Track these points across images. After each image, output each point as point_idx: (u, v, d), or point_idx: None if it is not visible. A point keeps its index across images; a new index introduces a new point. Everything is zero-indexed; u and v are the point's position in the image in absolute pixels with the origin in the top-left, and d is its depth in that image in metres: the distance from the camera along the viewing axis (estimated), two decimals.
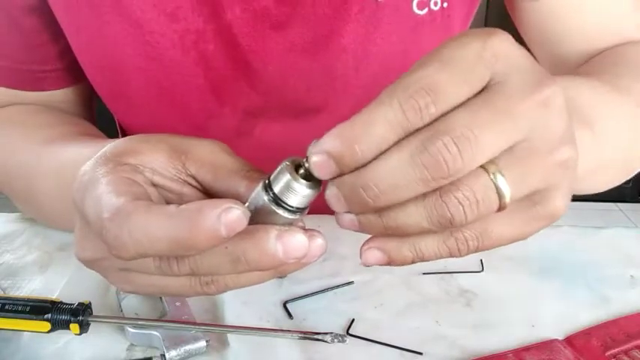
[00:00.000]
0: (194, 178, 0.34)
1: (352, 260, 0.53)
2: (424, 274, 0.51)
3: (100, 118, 0.68)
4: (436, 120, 0.26)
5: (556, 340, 0.44)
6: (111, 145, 0.33)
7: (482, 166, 0.26)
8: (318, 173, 0.28)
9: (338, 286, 0.49)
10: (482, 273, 0.52)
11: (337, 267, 0.52)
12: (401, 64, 0.56)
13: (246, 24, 0.53)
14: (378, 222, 0.28)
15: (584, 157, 0.31)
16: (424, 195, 0.27)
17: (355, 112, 0.27)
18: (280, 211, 0.29)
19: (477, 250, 0.29)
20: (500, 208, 0.27)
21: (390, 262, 0.30)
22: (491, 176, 0.26)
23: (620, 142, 0.47)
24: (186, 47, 0.54)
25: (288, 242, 0.28)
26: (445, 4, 0.55)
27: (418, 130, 0.26)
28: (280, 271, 0.31)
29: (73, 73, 0.61)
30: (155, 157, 0.33)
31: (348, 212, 0.29)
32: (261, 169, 0.33)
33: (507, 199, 0.27)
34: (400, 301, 0.48)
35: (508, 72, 0.27)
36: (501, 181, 0.26)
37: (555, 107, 0.28)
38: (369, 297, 0.48)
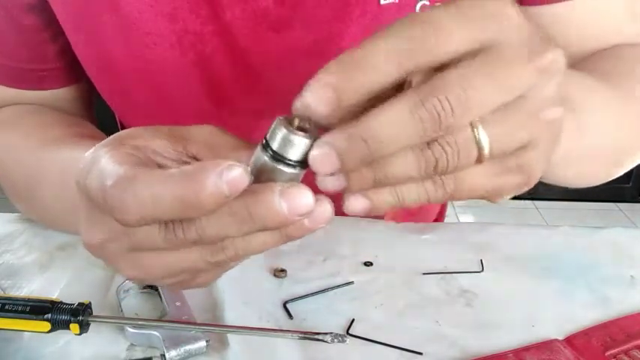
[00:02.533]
0: (195, 158, 0.34)
1: (352, 260, 0.53)
2: (424, 274, 0.51)
3: (100, 117, 0.68)
4: (437, 70, 0.27)
5: (556, 340, 0.44)
6: (111, 135, 0.34)
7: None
8: (316, 105, 0.27)
9: (338, 286, 0.49)
10: (482, 273, 0.52)
11: (337, 267, 0.52)
12: None
13: (245, 25, 0.53)
14: (369, 175, 0.28)
15: (567, 140, 0.33)
16: (413, 145, 0.28)
17: None
18: (281, 167, 0.29)
19: (452, 197, 0.30)
20: (479, 160, 0.28)
21: (372, 208, 0.30)
22: (475, 131, 0.28)
23: (605, 134, 0.48)
24: (185, 48, 0.54)
25: (292, 197, 0.28)
26: None
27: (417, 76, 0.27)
28: (288, 235, 0.30)
29: (72, 72, 0.61)
30: (156, 141, 0.33)
31: (332, 175, 0.29)
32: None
33: (486, 151, 0.28)
34: (400, 301, 0.48)
35: (510, 34, 0.28)
36: (483, 136, 0.28)
37: (554, 72, 0.29)
38: (369, 297, 0.48)
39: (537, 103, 0.29)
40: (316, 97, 0.27)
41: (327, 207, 0.29)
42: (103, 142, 0.33)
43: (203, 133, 0.34)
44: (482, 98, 0.27)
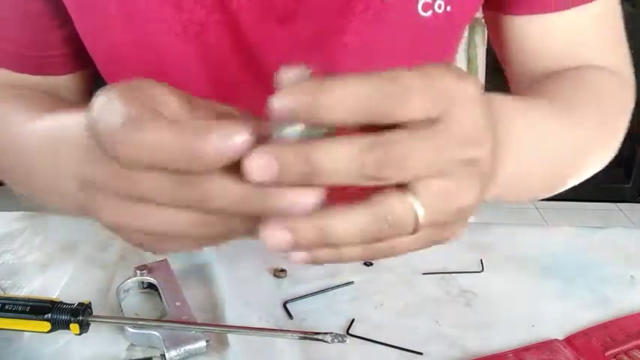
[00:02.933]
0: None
1: None
2: (424, 274, 0.51)
3: None
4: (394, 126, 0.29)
5: (556, 340, 0.44)
6: (124, 82, 0.33)
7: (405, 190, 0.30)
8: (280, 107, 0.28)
9: (338, 286, 0.49)
10: (482, 273, 0.52)
11: (337, 267, 0.52)
12: (403, 65, 0.56)
13: (251, 15, 0.53)
14: (315, 234, 0.30)
15: (504, 178, 0.39)
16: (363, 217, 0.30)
17: None
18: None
19: (385, 257, 0.33)
20: (414, 230, 0.31)
21: (311, 259, 0.31)
22: (413, 203, 0.30)
23: (543, 160, 0.49)
24: (189, 37, 0.54)
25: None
26: (449, 8, 0.55)
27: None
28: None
29: (76, 59, 0.61)
30: (168, 96, 0.33)
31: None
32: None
33: (421, 221, 0.30)
34: (400, 301, 0.48)
35: (461, 116, 0.30)
36: (419, 208, 0.30)
37: (480, 168, 0.32)
38: (369, 297, 0.48)
39: (463, 195, 0.32)
40: (280, 103, 0.28)
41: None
42: (116, 85, 0.32)
43: (209, 102, 0.35)
44: (421, 166, 0.29)
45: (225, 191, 0.29)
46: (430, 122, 0.29)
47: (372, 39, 0.55)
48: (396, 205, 0.30)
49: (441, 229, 0.33)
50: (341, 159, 0.28)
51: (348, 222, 0.30)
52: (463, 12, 0.57)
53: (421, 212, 0.30)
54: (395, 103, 0.28)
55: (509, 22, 0.61)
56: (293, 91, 0.28)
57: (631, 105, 0.60)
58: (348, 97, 0.28)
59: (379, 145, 0.28)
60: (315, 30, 0.54)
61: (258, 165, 0.28)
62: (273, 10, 0.53)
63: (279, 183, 0.28)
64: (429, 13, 0.54)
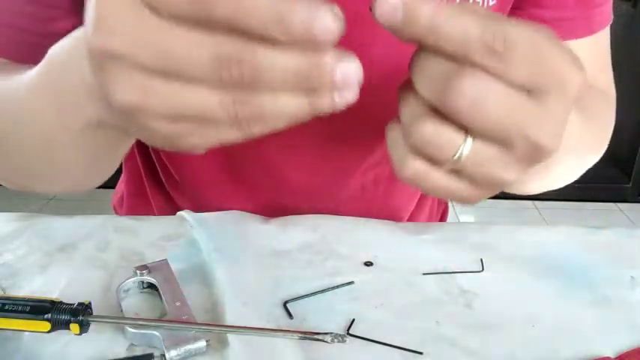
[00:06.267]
0: None
1: (352, 260, 0.53)
2: (424, 274, 0.51)
3: None
4: None
5: (608, 358, 0.43)
6: None
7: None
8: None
9: (338, 286, 0.49)
10: (482, 273, 0.52)
11: (337, 267, 0.52)
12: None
13: None
14: None
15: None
16: None
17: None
18: None
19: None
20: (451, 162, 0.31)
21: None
22: (465, 139, 0.31)
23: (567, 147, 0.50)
24: None
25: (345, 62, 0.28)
26: None
27: None
28: (315, 105, 0.29)
29: None
30: None
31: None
32: None
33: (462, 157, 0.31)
34: (400, 301, 0.48)
35: (552, 103, 0.30)
36: (467, 148, 0.31)
37: (537, 160, 0.32)
38: (369, 297, 0.48)
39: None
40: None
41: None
42: None
43: None
44: (502, 120, 0.29)
45: (280, 62, 0.26)
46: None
47: (399, 52, 0.54)
48: (448, 131, 0.30)
49: (470, 184, 0.33)
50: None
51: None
52: None
53: (466, 151, 0.30)
54: (497, 61, 0.28)
55: None
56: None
57: (613, 123, 0.63)
58: (456, 25, 0.28)
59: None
60: (344, 44, 0.54)
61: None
62: None
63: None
64: None
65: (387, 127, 0.34)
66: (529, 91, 0.29)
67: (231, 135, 0.29)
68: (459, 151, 0.30)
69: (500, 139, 0.30)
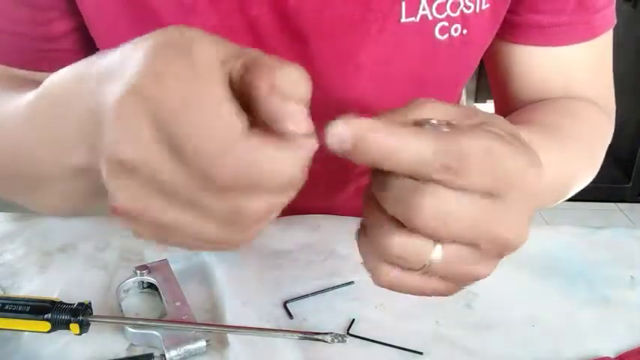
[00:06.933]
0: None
1: (352, 260, 0.53)
2: None
3: None
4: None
5: (608, 358, 0.43)
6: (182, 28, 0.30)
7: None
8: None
9: (338, 286, 0.49)
10: None
11: (337, 267, 0.52)
12: (416, 87, 0.55)
13: (270, 23, 0.52)
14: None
15: None
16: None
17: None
18: None
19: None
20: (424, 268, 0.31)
21: None
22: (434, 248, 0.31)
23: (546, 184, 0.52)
24: None
25: None
26: (465, 31, 0.54)
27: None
28: None
29: (72, 57, 0.60)
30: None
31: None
32: None
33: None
34: (400, 301, 0.48)
35: (519, 197, 0.30)
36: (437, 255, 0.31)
37: (507, 251, 0.32)
38: (369, 297, 0.48)
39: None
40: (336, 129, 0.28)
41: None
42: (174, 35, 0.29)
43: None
44: (463, 228, 0.30)
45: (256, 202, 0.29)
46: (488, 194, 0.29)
47: (387, 60, 0.54)
48: (416, 242, 0.30)
49: (446, 282, 0.33)
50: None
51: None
52: (480, 36, 0.57)
53: (436, 257, 0.31)
54: (453, 175, 0.28)
55: (510, 49, 0.62)
56: (353, 123, 0.28)
57: (610, 139, 0.64)
58: (407, 150, 0.28)
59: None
60: (330, 50, 0.53)
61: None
62: (288, 28, 0.52)
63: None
64: (446, 36, 0.53)
65: (356, 239, 0.34)
66: (489, 194, 0.29)
67: (216, 247, 0.32)
68: (429, 259, 0.31)
69: (467, 244, 0.30)
